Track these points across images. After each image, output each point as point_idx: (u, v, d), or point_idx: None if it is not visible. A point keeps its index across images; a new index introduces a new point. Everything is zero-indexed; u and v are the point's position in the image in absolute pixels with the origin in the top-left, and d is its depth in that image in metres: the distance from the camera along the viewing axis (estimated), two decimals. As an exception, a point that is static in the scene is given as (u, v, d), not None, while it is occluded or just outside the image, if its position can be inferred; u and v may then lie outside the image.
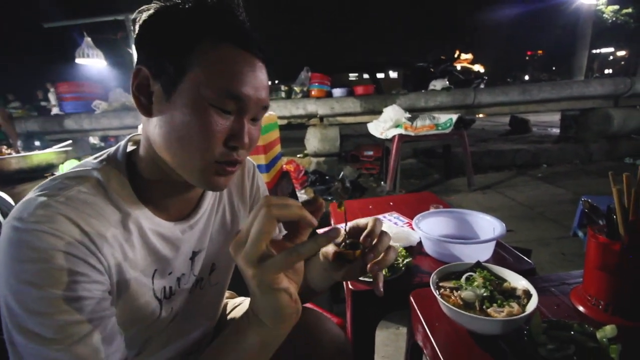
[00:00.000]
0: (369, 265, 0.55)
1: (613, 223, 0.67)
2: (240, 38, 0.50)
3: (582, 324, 0.61)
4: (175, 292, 0.62)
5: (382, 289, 0.56)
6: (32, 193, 0.48)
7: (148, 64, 0.51)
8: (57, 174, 1.91)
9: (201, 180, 0.53)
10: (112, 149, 0.58)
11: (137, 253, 0.54)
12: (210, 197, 0.67)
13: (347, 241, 0.56)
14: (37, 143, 3.24)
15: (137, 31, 0.52)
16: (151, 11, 0.51)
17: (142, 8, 0.52)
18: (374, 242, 0.55)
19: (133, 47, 2.16)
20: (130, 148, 0.60)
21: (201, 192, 0.65)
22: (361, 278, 0.93)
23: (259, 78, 0.52)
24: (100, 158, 0.56)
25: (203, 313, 0.72)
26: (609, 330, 0.58)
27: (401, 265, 0.96)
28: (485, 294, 0.66)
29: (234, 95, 0.49)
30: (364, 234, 0.55)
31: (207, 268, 0.69)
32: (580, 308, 0.72)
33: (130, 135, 0.62)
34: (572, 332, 0.60)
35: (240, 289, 0.91)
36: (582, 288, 0.74)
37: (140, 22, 0.51)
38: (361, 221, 0.58)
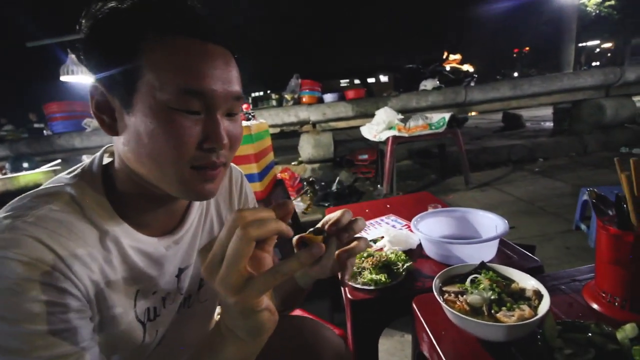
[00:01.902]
0: (336, 252, 0.53)
1: (623, 212, 0.63)
2: (188, 25, 0.44)
3: (599, 324, 0.57)
4: (161, 314, 0.57)
5: (347, 281, 0.55)
6: (1, 213, 0.44)
7: (100, 79, 0.46)
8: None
9: (184, 191, 0.49)
10: (86, 162, 0.54)
11: (118, 273, 0.50)
12: (196, 209, 0.63)
13: (312, 228, 0.52)
14: (25, 165, 3.18)
15: (82, 46, 0.47)
16: (90, 21, 0.45)
17: (80, 22, 0.46)
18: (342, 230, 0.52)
19: None
20: (106, 160, 0.55)
21: (186, 204, 0.61)
22: (356, 285, 0.88)
23: (221, 67, 0.46)
24: (73, 172, 0.52)
25: (192, 334, 0.66)
26: (629, 329, 0.54)
27: (401, 270, 0.91)
28: (493, 297, 0.61)
29: (194, 92, 0.44)
30: (330, 222, 0.52)
31: (195, 284, 0.64)
32: (595, 306, 0.67)
33: (106, 147, 0.57)
34: (589, 334, 0.55)
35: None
36: (594, 284, 0.70)
37: (83, 34, 0.46)
38: (334, 215, 0.54)
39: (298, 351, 0.67)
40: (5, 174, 2.17)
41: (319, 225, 0.54)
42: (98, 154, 0.55)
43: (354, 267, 0.94)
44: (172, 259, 0.58)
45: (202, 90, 0.44)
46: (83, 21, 0.46)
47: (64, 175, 0.52)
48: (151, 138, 0.44)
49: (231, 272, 0.36)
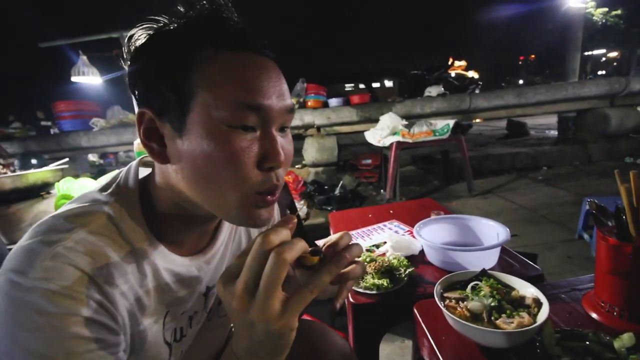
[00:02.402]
0: None
1: (623, 223, 0.64)
2: (238, 40, 0.44)
3: (597, 332, 0.58)
4: (187, 334, 0.56)
5: (338, 305, 0.50)
6: (33, 237, 0.41)
7: (149, 104, 0.44)
8: (53, 192, 1.85)
9: (242, 218, 0.46)
10: (121, 176, 0.52)
11: (151, 297, 0.49)
12: (227, 227, 0.61)
13: (310, 248, 0.52)
14: (33, 161, 3.22)
15: (128, 70, 0.46)
16: (137, 44, 0.45)
17: (125, 46, 0.46)
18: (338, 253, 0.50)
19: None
20: (142, 171, 0.53)
21: (217, 222, 0.59)
22: (358, 289, 0.90)
23: (273, 79, 0.44)
24: (109, 190, 0.49)
25: (209, 347, 0.65)
26: (626, 339, 0.55)
27: (403, 275, 0.92)
28: (493, 304, 0.63)
29: (251, 106, 0.42)
30: (328, 243, 0.50)
31: (217, 299, 0.63)
32: (594, 315, 0.68)
33: (140, 158, 0.56)
34: (587, 342, 0.57)
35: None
36: (594, 294, 0.71)
37: (129, 58, 0.46)
38: (333, 237, 0.52)
39: (306, 354, 0.68)
40: (14, 170, 2.21)
41: (325, 240, 0.53)
42: (133, 165, 0.53)
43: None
44: (203, 279, 0.57)
45: (260, 104, 0.42)
46: (126, 48, 0.46)
47: (98, 192, 0.49)
48: (208, 160, 0.42)
49: (272, 299, 0.35)
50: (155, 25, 0.45)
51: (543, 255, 2.21)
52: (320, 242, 0.52)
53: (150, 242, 0.48)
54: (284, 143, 0.47)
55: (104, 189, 0.50)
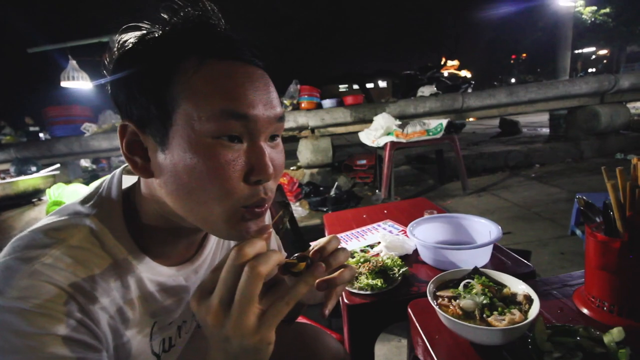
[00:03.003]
0: (316, 281, 0.48)
1: (610, 220, 0.65)
2: (224, 48, 0.41)
3: (588, 328, 0.58)
4: (176, 343, 0.55)
5: (327, 312, 0.48)
6: (11, 253, 0.40)
7: (131, 116, 0.42)
8: (44, 198, 1.81)
9: (229, 232, 0.44)
10: (104, 186, 0.50)
11: (136, 311, 0.47)
12: (214, 236, 0.60)
13: (297, 254, 0.50)
14: (33, 168, 3.17)
15: (109, 83, 0.44)
16: (118, 55, 0.43)
17: (104, 59, 0.44)
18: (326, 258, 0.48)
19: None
20: (125, 181, 0.52)
21: (204, 232, 0.57)
22: (352, 290, 0.90)
23: (261, 87, 0.42)
24: (91, 202, 0.47)
25: (199, 354, 0.64)
26: (616, 333, 0.55)
27: (397, 275, 0.92)
28: (484, 302, 0.63)
29: (236, 114, 0.40)
30: (315, 248, 0.48)
31: None
32: (585, 310, 0.69)
33: (124, 166, 0.53)
34: (578, 338, 0.57)
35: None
36: (584, 289, 0.72)
37: (110, 69, 0.44)
38: (321, 241, 0.50)
39: (298, 356, 0.68)
40: (12, 177, 2.16)
41: (315, 243, 0.52)
42: (116, 174, 0.51)
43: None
44: (191, 288, 0.56)
45: (245, 113, 0.40)
46: (108, 57, 0.44)
47: (79, 205, 0.47)
48: (192, 174, 0.40)
49: (246, 315, 0.34)
50: (137, 33, 0.43)
51: (536, 252, 2.23)
52: (314, 244, 0.51)
53: (134, 254, 0.47)
54: (273, 154, 0.45)
55: (85, 200, 0.48)
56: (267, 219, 0.63)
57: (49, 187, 1.93)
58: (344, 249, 0.49)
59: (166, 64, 0.40)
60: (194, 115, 0.39)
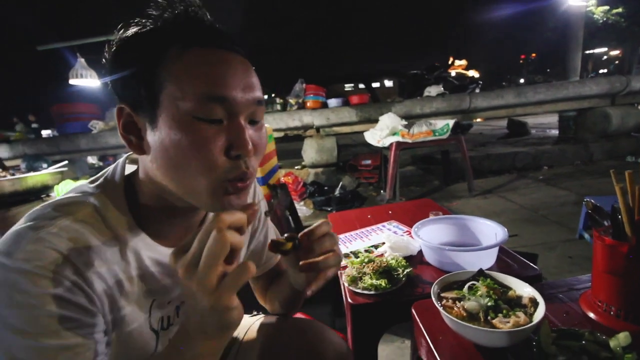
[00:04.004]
0: (300, 262, 0.53)
1: (618, 223, 0.64)
2: (205, 36, 0.46)
3: (593, 332, 0.58)
4: (174, 322, 0.58)
5: (308, 292, 0.54)
6: (23, 223, 0.45)
7: (126, 99, 0.48)
8: (53, 195, 1.85)
9: (213, 204, 0.48)
10: (109, 171, 0.55)
11: (135, 285, 0.51)
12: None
13: (287, 234, 0.53)
14: (44, 165, 3.22)
15: (109, 69, 0.49)
16: (114, 44, 0.48)
17: (105, 50, 0.49)
18: (312, 241, 0.53)
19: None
20: (128, 168, 0.56)
21: (203, 215, 0.61)
22: (356, 290, 0.90)
23: (239, 72, 0.46)
24: (97, 182, 0.52)
25: None
26: (622, 338, 0.55)
27: (402, 275, 0.92)
28: (489, 304, 0.63)
29: (215, 98, 0.44)
30: (305, 230, 0.52)
31: None
32: (591, 315, 0.68)
33: (128, 154, 0.58)
34: (583, 342, 0.57)
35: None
36: (591, 293, 0.71)
37: (108, 59, 0.49)
38: (313, 225, 0.55)
39: (302, 352, 0.69)
40: (22, 172, 2.21)
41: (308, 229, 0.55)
42: (120, 161, 0.56)
43: (355, 272, 0.96)
44: None
45: (224, 95, 0.44)
46: (107, 48, 0.49)
47: (87, 184, 0.52)
48: (177, 149, 0.44)
49: (208, 273, 0.38)
50: (130, 27, 0.48)
51: (543, 255, 2.20)
52: (305, 230, 0.54)
53: (133, 231, 0.50)
54: (253, 134, 0.49)
55: (92, 181, 0.53)
56: (251, 198, 0.67)
57: (57, 183, 1.96)
58: (331, 235, 0.53)
59: (154, 51, 0.45)
60: (177, 95, 0.44)
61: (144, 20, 0.48)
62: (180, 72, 0.44)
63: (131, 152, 0.58)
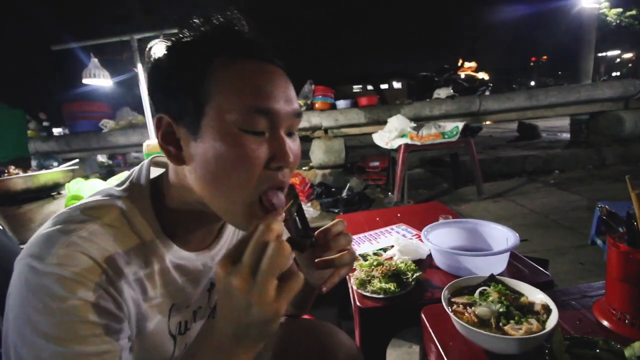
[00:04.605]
0: (316, 260, 0.54)
1: (634, 230, 0.63)
2: (250, 49, 0.47)
3: (607, 340, 0.57)
4: (191, 327, 0.59)
5: (324, 289, 0.54)
6: (52, 225, 0.45)
7: (167, 109, 0.48)
8: (64, 192, 1.86)
9: (247, 217, 0.48)
10: (134, 173, 0.55)
11: (157, 289, 0.51)
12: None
13: (303, 232, 0.54)
14: (54, 163, 3.27)
15: (147, 78, 0.50)
16: (156, 54, 0.49)
17: (146, 56, 0.50)
18: (328, 239, 0.54)
19: (139, 66, 2.20)
20: (153, 171, 0.57)
21: (223, 220, 0.61)
22: (365, 293, 0.90)
23: (282, 85, 0.48)
24: (123, 186, 0.53)
25: None
26: (637, 347, 0.54)
27: (411, 279, 0.92)
28: (501, 310, 0.62)
29: (261, 110, 0.45)
30: (321, 229, 0.53)
31: None
32: (605, 323, 0.67)
33: (152, 157, 0.59)
34: (597, 350, 0.56)
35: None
36: (605, 301, 0.70)
37: (149, 68, 0.49)
38: (329, 224, 0.56)
39: (312, 352, 0.69)
40: (33, 170, 2.24)
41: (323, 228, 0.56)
42: (145, 164, 0.56)
43: (364, 275, 0.95)
44: (207, 274, 0.59)
45: (269, 108, 0.45)
46: (147, 55, 0.49)
47: (114, 188, 0.53)
48: (220, 161, 0.44)
49: (269, 284, 0.38)
50: (173, 38, 0.48)
51: (554, 261, 2.17)
52: (321, 230, 0.54)
53: (158, 235, 0.51)
54: (292, 145, 0.49)
55: (119, 185, 0.54)
56: None
57: (68, 181, 1.98)
58: (346, 234, 0.54)
59: (200, 63, 0.45)
60: (224, 107, 0.44)
61: (186, 31, 0.48)
62: (227, 84, 0.45)
63: (157, 155, 0.59)
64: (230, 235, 0.65)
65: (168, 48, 0.48)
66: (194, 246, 0.57)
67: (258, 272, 0.38)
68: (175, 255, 0.53)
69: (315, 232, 0.54)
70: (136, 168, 0.56)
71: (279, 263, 0.38)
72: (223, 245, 0.62)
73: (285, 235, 0.82)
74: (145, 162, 0.57)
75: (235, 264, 0.39)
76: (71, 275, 0.40)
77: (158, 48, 0.49)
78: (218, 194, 0.47)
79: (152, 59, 0.49)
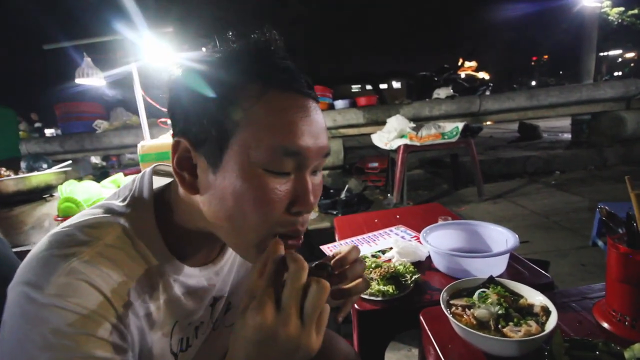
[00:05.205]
0: (331, 289, 0.52)
1: (633, 231, 0.63)
2: (286, 80, 0.42)
3: (607, 342, 0.56)
4: (193, 344, 0.57)
5: (340, 319, 0.53)
6: (48, 248, 0.41)
7: (186, 133, 0.43)
8: (56, 194, 1.83)
9: (259, 255, 0.45)
10: (136, 185, 0.51)
11: (160, 310, 0.49)
12: None
13: (318, 262, 0.52)
14: (44, 165, 3.24)
15: (169, 93, 0.45)
16: (181, 69, 0.44)
17: (166, 77, 0.46)
18: (345, 268, 0.52)
19: (132, 66, 2.17)
20: (156, 181, 0.53)
21: None
22: (363, 295, 0.89)
23: (316, 122, 0.44)
24: (126, 201, 0.49)
25: (214, 357, 0.64)
26: (637, 349, 0.53)
27: (409, 282, 0.91)
28: (500, 312, 0.62)
29: (291, 152, 0.41)
30: (336, 257, 0.51)
31: (223, 308, 0.63)
32: (605, 325, 0.67)
33: (153, 166, 0.55)
34: (597, 352, 0.55)
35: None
36: (605, 302, 0.69)
37: (172, 82, 0.45)
38: (344, 250, 0.53)
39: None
40: (23, 172, 2.22)
41: (336, 251, 0.54)
42: (146, 175, 0.52)
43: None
44: (211, 290, 0.57)
45: (299, 149, 0.42)
46: (170, 76, 0.45)
47: (115, 202, 0.49)
48: (238, 200, 0.42)
49: (313, 325, 0.38)
50: (200, 54, 0.44)
51: (555, 262, 2.16)
52: (324, 248, 0.53)
53: (163, 254, 0.48)
54: (315, 187, 0.46)
55: (121, 198, 0.50)
56: None
57: (61, 183, 1.95)
58: (361, 261, 0.52)
59: (230, 89, 0.41)
60: (251, 144, 0.41)
61: (220, 49, 0.44)
62: (257, 118, 0.41)
63: (158, 164, 0.56)
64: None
65: (192, 70, 0.44)
66: (197, 261, 0.54)
67: (304, 316, 0.38)
68: (179, 272, 0.50)
69: (332, 262, 0.51)
70: (137, 178, 0.53)
71: (321, 304, 0.38)
72: (228, 259, 0.60)
73: None
74: (147, 171, 0.53)
75: (271, 306, 0.38)
76: (73, 308, 0.37)
77: (183, 63, 0.45)
78: (230, 230, 0.45)
79: (174, 78, 0.45)
